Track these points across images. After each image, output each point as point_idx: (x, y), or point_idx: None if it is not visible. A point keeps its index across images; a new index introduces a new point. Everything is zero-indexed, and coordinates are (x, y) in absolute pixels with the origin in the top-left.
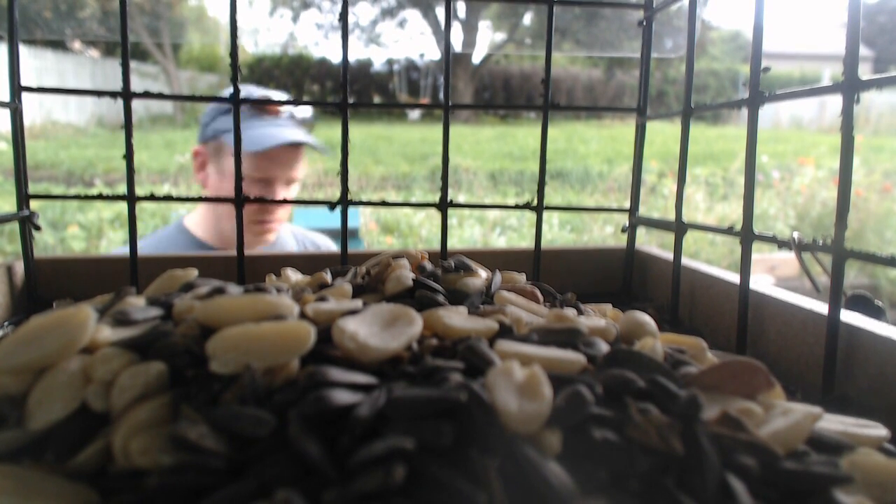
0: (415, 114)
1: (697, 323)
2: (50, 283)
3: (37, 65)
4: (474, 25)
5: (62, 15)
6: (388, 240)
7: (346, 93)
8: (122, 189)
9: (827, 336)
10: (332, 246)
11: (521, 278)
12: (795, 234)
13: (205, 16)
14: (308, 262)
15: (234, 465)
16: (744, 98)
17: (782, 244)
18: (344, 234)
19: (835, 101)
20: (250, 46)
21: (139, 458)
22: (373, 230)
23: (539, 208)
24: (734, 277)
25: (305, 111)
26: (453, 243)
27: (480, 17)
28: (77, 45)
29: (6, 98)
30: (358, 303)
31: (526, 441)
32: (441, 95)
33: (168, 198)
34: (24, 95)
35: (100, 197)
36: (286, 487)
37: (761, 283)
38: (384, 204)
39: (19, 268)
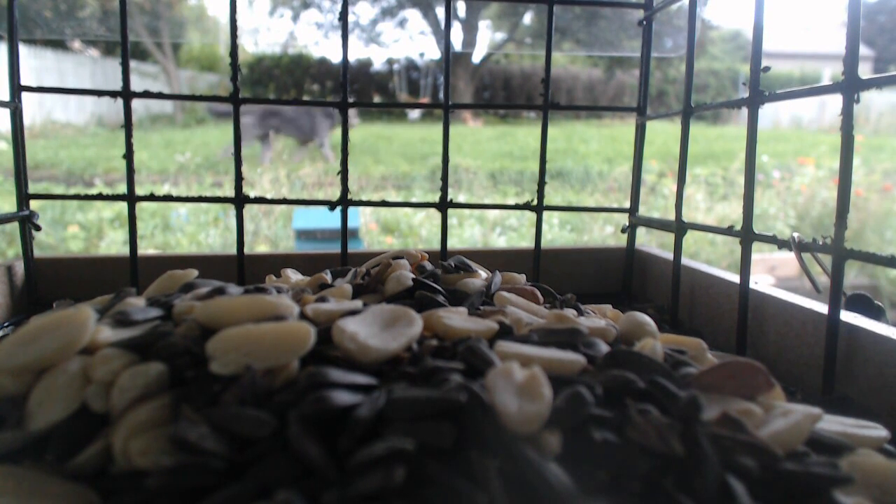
0: (415, 113)
1: (697, 323)
2: (50, 283)
3: (36, 64)
4: (474, 25)
5: (62, 14)
6: (388, 240)
7: (346, 92)
8: (122, 189)
9: (827, 336)
10: None
11: (521, 279)
12: (795, 235)
13: (205, 15)
14: (308, 263)
15: (234, 465)
16: (744, 98)
17: (782, 244)
18: (344, 235)
19: (835, 101)
20: (250, 46)
21: (139, 458)
22: (373, 230)
23: (539, 208)
24: (734, 277)
25: None
26: (453, 243)
27: (480, 17)
28: (77, 44)
29: (6, 98)
30: (358, 303)
31: (526, 442)
32: (441, 95)
33: (168, 197)
34: (24, 95)
35: (100, 197)
36: (286, 488)
37: (761, 283)
38: (384, 204)
39: (19, 268)
